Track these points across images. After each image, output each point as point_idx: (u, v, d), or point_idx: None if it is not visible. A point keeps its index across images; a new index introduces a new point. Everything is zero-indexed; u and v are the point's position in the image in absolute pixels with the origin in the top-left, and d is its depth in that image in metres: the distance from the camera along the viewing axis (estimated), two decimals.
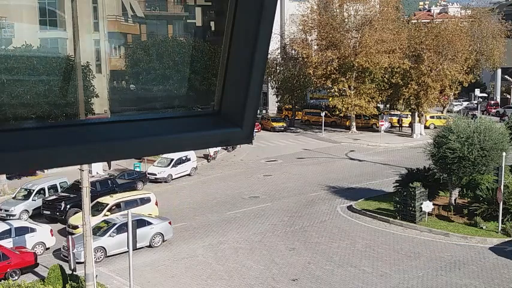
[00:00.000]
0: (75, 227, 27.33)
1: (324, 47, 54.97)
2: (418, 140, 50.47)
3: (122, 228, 24.98)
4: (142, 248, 25.45)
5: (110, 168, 41.04)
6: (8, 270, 22.79)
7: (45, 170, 34.72)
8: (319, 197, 34.21)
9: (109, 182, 34.34)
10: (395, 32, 53.05)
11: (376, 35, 52.01)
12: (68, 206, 30.25)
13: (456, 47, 52.75)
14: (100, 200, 28.83)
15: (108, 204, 28.82)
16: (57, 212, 30.27)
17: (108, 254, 25.02)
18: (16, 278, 22.70)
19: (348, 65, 53.78)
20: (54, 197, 31.69)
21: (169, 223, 27.23)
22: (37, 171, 35.91)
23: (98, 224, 26.16)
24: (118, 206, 28.95)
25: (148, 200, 30.08)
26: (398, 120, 59.28)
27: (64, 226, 28.97)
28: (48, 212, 30.59)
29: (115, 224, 25.76)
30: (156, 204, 30.32)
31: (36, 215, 30.83)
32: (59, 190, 33.02)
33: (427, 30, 54.79)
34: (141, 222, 25.12)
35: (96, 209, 28.10)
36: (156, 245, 26.27)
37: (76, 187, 31.88)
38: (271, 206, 32.54)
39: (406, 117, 59.23)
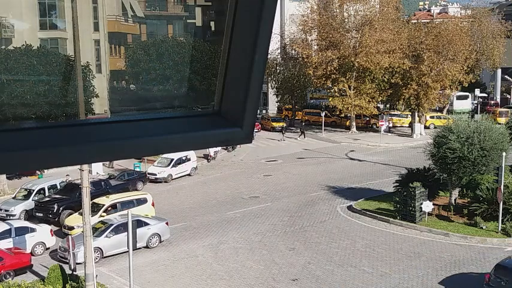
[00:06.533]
0: (71, 228, 27.25)
1: (324, 47, 54.96)
2: (418, 140, 50.48)
3: (119, 228, 24.96)
4: (140, 248, 25.36)
5: (112, 167, 41.06)
6: (2, 271, 22.60)
7: (45, 170, 34.72)
8: (319, 197, 34.21)
9: (102, 183, 33.67)
10: (395, 32, 53.03)
11: (376, 35, 52.00)
12: (61, 208, 29.84)
13: (456, 47, 52.73)
14: (96, 200, 28.49)
15: (104, 205, 28.67)
16: (50, 214, 29.73)
17: (104, 255, 24.91)
18: (10, 278, 22.39)
19: (348, 65, 53.77)
20: (46, 198, 31.25)
21: (167, 224, 27.15)
22: (37, 171, 35.89)
23: (95, 225, 26.05)
24: (114, 207, 28.82)
25: (144, 201, 29.93)
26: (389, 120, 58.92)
27: (58, 228, 28.67)
28: (41, 214, 29.96)
29: (112, 225, 25.62)
30: (153, 205, 30.24)
31: (30, 216, 30.27)
32: (51, 192, 32.34)
33: (427, 30, 54.75)
34: (138, 223, 24.98)
35: (92, 209, 27.95)
36: (153, 246, 26.17)
37: (69, 188, 31.75)
38: (271, 206, 32.54)
39: (407, 117, 59.17)
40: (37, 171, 36.19)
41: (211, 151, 44.38)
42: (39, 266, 24.12)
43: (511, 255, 22.56)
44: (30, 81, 31.65)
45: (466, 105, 62.92)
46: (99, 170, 39.30)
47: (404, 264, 23.78)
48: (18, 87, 31.46)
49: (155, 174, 38.58)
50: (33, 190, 31.96)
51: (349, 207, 31.65)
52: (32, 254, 24.90)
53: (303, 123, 56.97)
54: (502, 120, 51.61)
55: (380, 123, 53.29)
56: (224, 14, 1.37)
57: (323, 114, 56.63)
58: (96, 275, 20.67)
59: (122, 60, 47.03)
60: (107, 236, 25.09)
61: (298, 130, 56.15)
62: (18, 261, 23.36)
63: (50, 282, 20.42)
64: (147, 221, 26.72)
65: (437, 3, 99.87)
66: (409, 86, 52.38)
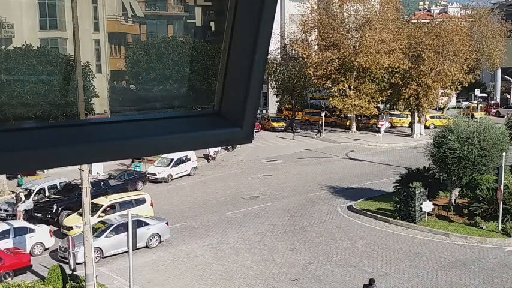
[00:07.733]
0: (69, 228, 27.22)
1: (324, 47, 54.97)
2: (418, 140, 50.49)
3: (119, 228, 24.94)
4: (140, 248, 25.33)
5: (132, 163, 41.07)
6: (1, 271, 22.56)
7: (45, 170, 34.73)
8: (319, 197, 34.21)
9: (101, 183, 33.53)
10: (395, 32, 53.04)
11: (376, 35, 52.00)
12: (60, 209, 29.77)
13: (456, 47, 52.72)
14: (95, 201, 28.28)
15: (102, 206, 28.60)
16: (49, 215, 29.66)
17: (104, 255, 24.90)
18: (9, 279, 22.34)
19: (348, 65, 53.78)
20: (45, 199, 31.17)
21: (167, 224, 27.13)
22: (37, 171, 35.90)
23: (95, 225, 26.01)
24: (113, 207, 28.78)
25: (143, 201, 29.87)
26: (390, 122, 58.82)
27: (57, 228, 28.60)
28: (40, 215, 29.89)
29: (112, 225, 25.59)
30: (152, 205, 30.19)
31: (30, 217, 30.12)
32: (48, 192, 32.25)
33: (427, 30, 54.76)
34: (138, 223, 24.93)
35: (91, 210, 27.83)
36: (153, 246, 26.14)
37: (67, 189, 31.69)
38: (271, 206, 32.54)
39: (407, 117, 59.12)
40: (18, 175, 36.09)
41: (211, 151, 44.38)
42: (39, 266, 24.11)
43: None
44: (30, 81, 31.66)
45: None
46: (99, 170, 39.30)
47: (404, 264, 23.77)
48: (18, 87, 31.47)
49: (155, 174, 38.57)
50: (33, 190, 31.94)
51: (349, 207, 31.64)
52: (30, 254, 24.89)
53: (320, 123, 56.23)
54: (476, 114, 53.02)
55: (380, 123, 53.31)
56: (224, 14, 1.37)
57: (323, 114, 56.61)
58: (96, 275, 20.67)
59: (122, 60, 47.06)
60: (106, 236, 25.08)
61: (316, 129, 56.26)
62: (17, 262, 23.33)
63: (50, 282, 20.42)
64: (147, 221, 26.69)
65: (437, 3, 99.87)
66: (409, 86, 52.39)
